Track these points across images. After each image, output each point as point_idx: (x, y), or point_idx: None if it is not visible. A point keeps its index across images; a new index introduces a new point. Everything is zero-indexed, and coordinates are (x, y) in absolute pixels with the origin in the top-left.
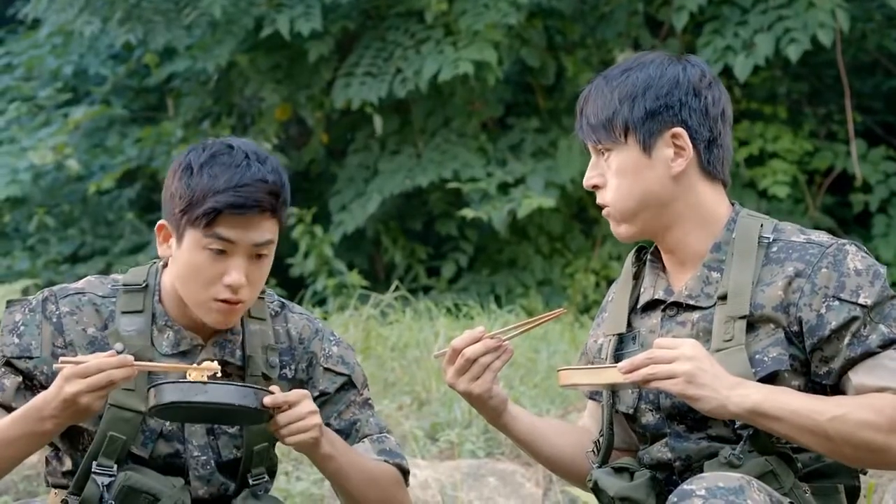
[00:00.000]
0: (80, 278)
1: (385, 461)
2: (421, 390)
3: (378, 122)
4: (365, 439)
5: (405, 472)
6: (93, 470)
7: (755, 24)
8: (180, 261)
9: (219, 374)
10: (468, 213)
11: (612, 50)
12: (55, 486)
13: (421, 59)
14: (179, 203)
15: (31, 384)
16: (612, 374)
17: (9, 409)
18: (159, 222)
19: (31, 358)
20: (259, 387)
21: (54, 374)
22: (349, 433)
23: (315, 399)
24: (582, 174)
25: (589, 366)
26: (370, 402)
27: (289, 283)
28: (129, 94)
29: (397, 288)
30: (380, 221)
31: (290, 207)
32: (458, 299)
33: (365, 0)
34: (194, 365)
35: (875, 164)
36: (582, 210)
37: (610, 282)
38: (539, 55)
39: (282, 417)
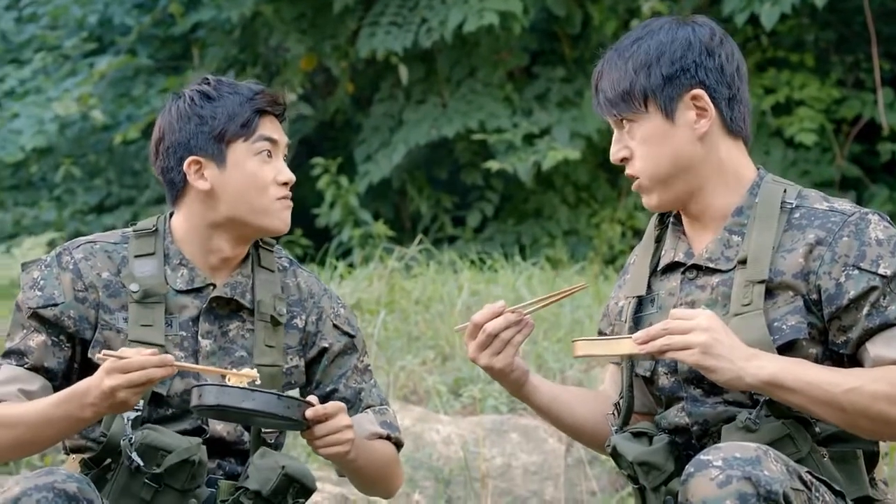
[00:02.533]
0: (107, 229)
1: (388, 435)
2: (444, 345)
3: (403, 71)
4: (368, 410)
5: (400, 445)
6: None
7: None
8: (231, 180)
9: (258, 382)
10: (493, 164)
11: None
12: (73, 451)
13: (446, 8)
14: (215, 125)
15: (59, 339)
16: (627, 345)
17: (44, 368)
18: (189, 159)
19: (55, 305)
20: (300, 399)
21: (83, 318)
22: (354, 402)
23: (319, 353)
24: (608, 124)
25: (603, 336)
26: (370, 368)
27: (314, 234)
28: (155, 43)
29: (421, 241)
30: (405, 171)
31: (317, 157)
32: (482, 250)
33: None
34: (234, 371)
35: None
36: (608, 160)
37: (636, 232)
38: (565, 4)
39: (319, 429)
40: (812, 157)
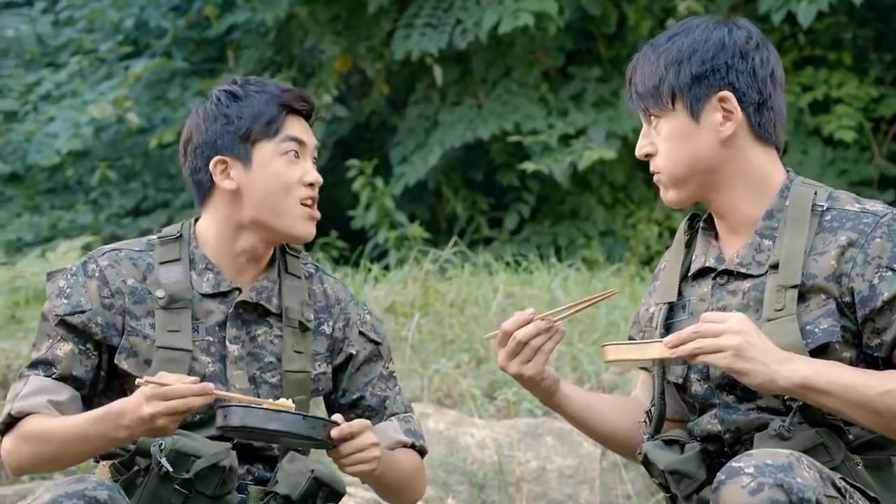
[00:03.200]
0: (144, 233)
1: (413, 443)
2: (479, 348)
3: (438, 73)
4: (393, 417)
5: (424, 453)
6: None
7: None
8: (257, 180)
9: (293, 409)
10: (529, 166)
11: None
12: (103, 458)
13: (481, 9)
14: (241, 124)
15: (86, 347)
16: (658, 349)
17: (72, 378)
18: (215, 159)
19: (83, 312)
20: (326, 419)
21: (109, 325)
22: (379, 410)
23: (346, 360)
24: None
25: (634, 341)
26: (395, 374)
27: (350, 236)
28: (190, 46)
29: (456, 243)
30: (441, 173)
31: (352, 159)
32: (519, 251)
33: None
34: (270, 401)
35: None
36: (644, 160)
37: (672, 232)
38: (600, 3)
39: (345, 447)
40: (850, 155)
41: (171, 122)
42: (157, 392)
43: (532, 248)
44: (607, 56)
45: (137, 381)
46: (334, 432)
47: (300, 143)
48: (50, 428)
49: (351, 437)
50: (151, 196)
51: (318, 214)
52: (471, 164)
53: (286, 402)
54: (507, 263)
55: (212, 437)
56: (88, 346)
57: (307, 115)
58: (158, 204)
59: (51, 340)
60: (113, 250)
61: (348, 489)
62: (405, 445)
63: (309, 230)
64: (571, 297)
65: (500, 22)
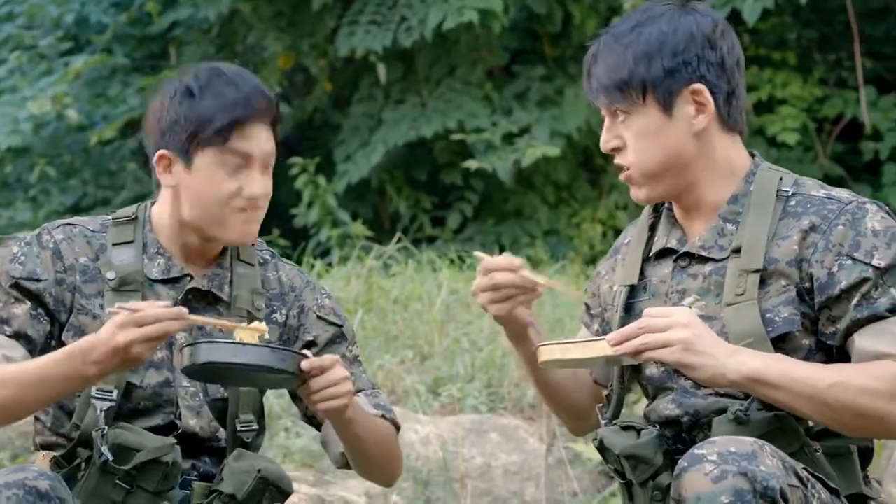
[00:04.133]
0: None
1: (382, 415)
2: (423, 344)
3: (382, 70)
4: (360, 393)
5: (398, 428)
6: (92, 395)
7: None
8: (194, 184)
9: (266, 336)
10: (472, 164)
11: None
12: (44, 447)
13: (426, 7)
14: (187, 127)
15: (38, 312)
16: (601, 347)
17: (25, 337)
18: (159, 152)
19: (38, 280)
20: (295, 350)
21: (59, 300)
22: None
23: (304, 347)
24: (588, 123)
25: (571, 340)
26: (359, 358)
27: (292, 234)
28: (131, 42)
29: (400, 239)
30: (384, 171)
31: (295, 157)
32: (462, 250)
33: None
34: (244, 324)
35: (885, 112)
36: (588, 159)
37: (617, 231)
38: (545, 2)
39: (315, 382)
40: (794, 156)
41: (112, 118)
42: (132, 318)
43: (476, 247)
44: (552, 55)
45: (108, 310)
46: (304, 364)
47: (246, 156)
48: (6, 371)
49: (321, 371)
50: (91, 193)
51: (257, 219)
52: (414, 162)
53: (260, 326)
54: (452, 261)
55: (154, 427)
56: (41, 311)
57: (270, 120)
58: (98, 201)
59: (4, 298)
60: (68, 224)
61: (294, 486)
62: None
63: (246, 235)
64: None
65: (445, 19)
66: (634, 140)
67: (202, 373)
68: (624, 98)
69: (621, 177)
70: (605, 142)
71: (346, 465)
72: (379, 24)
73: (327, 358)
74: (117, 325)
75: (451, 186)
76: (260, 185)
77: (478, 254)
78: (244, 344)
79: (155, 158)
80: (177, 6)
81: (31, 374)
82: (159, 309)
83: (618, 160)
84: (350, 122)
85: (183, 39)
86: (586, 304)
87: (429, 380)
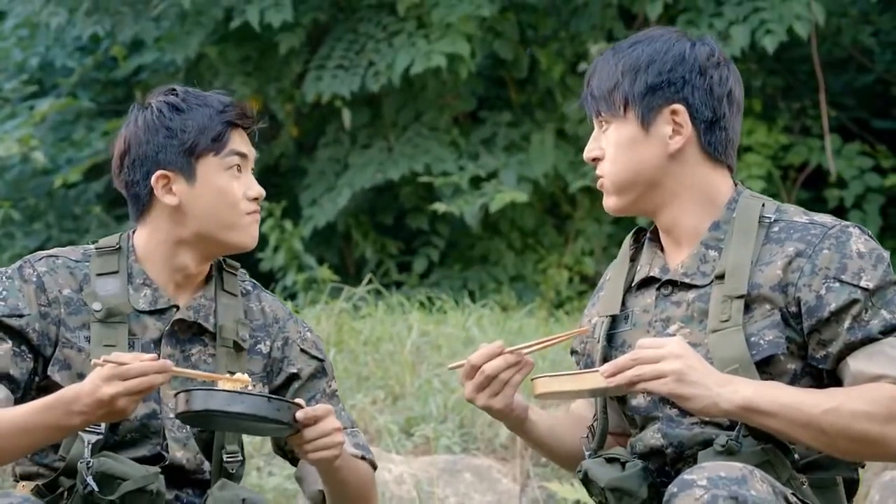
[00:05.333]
0: None
1: (363, 456)
2: (395, 384)
3: (347, 116)
4: None
5: (374, 468)
6: None
7: (730, 15)
8: (201, 195)
9: (249, 387)
10: (440, 207)
11: (586, 42)
12: (24, 478)
13: (393, 51)
14: (185, 138)
15: (21, 349)
16: (595, 379)
17: (8, 377)
18: (157, 174)
19: (21, 316)
20: (290, 401)
21: (44, 335)
22: None
23: (288, 379)
24: (555, 168)
25: (565, 372)
26: (337, 393)
27: (258, 278)
28: (97, 86)
29: (370, 281)
30: (350, 216)
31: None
32: (430, 293)
33: None
34: (227, 375)
35: (849, 160)
36: (555, 205)
37: (583, 277)
38: (512, 47)
39: (309, 432)
40: None
41: (77, 162)
42: (117, 372)
43: (444, 291)
44: (518, 101)
45: (94, 361)
46: (299, 414)
47: (243, 156)
48: None
49: (315, 420)
50: (55, 237)
51: (258, 220)
52: (380, 207)
53: (243, 377)
54: (421, 303)
55: (141, 458)
56: (24, 348)
57: (248, 128)
58: (62, 244)
59: None
60: (50, 256)
61: None
62: (356, 458)
63: (254, 236)
64: (487, 337)
65: (413, 63)
66: (611, 149)
67: (196, 419)
68: (608, 107)
69: (597, 184)
70: (588, 151)
71: (322, 503)
72: (346, 69)
73: (320, 408)
74: (102, 378)
75: (418, 231)
76: (258, 185)
77: (451, 365)
78: (240, 392)
79: (153, 180)
80: (142, 50)
81: (11, 423)
82: (144, 363)
83: (598, 171)
84: (316, 167)
85: (149, 83)
86: (573, 350)
87: (401, 420)
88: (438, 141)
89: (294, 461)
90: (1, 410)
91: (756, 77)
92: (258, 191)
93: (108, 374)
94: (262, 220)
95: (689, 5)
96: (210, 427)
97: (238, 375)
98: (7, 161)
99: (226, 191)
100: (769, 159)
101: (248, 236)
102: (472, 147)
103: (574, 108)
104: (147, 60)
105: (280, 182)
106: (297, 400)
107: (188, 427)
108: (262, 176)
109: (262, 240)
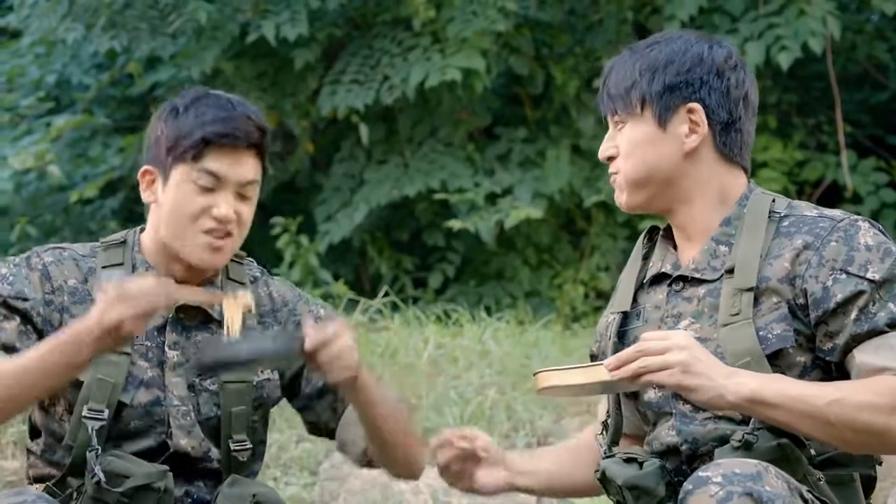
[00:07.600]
0: None
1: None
2: (411, 396)
3: (364, 130)
4: None
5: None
6: (83, 414)
7: (745, 32)
8: (166, 200)
9: (252, 309)
10: (455, 224)
11: (601, 58)
12: (37, 480)
13: (408, 66)
14: (166, 142)
15: (27, 329)
16: (599, 373)
17: (13, 350)
18: (143, 168)
19: (26, 300)
20: (295, 333)
21: (47, 321)
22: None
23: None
24: (570, 185)
25: (569, 366)
26: None
27: None
28: (113, 103)
29: (387, 294)
30: (366, 231)
31: (276, 217)
32: (446, 307)
33: (352, 7)
34: (229, 293)
35: (865, 176)
36: (570, 221)
37: (599, 293)
38: (527, 63)
39: (322, 356)
40: None
41: (93, 178)
42: (119, 296)
43: (458, 306)
44: (533, 117)
45: (97, 289)
46: (308, 346)
47: (217, 178)
48: (2, 367)
49: (325, 344)
50: None
51: (224, 245)
52: (396, 223)
53: (244, 296)
54: (438, 317)
55: (145, 449)
56: (29, 327)
57: (254, 146)
58: None
59: None
60: (57, 248)
61: None
62: None
63: (209, 260)
64: (503, 349)
65: (428, 77)
66: (627, 146)
67: (212, 370)
68: (625, 106)
69: (611, 180)
70: (603, 150)
71: (369, 464)
72: (361, 84)
73: (329, 328)
74: (106, 304)
75: (433, 248)
76: (227, 206)
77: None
78: (246, 340)
79: (140, 174)
80: (158, 67)
81: (25, 366)
82: (146, 284)
83: (611, 169)
84: (332, 183)
85: (165, 99)
86: (592, 356)
87: (418, 431)
88: (454, 156)
89: (331, 435)
90: (15, 357)
91: (771, 93)
92: (223, 213)
93: (111, 298)
94: (278, 236)
95: (704, 22)
96: (229, 372)
97: (240, 293)
98: (24, 178)
99: (185, 200)
100: (785, 175)
101: (198, 254)
102: (487, 163)
103: (589, 124)
104: (163, 77)
105: (296, 198)
106: (305, 329)
107: (193, 415)
108: (278, 191)
109: (278, 255)
